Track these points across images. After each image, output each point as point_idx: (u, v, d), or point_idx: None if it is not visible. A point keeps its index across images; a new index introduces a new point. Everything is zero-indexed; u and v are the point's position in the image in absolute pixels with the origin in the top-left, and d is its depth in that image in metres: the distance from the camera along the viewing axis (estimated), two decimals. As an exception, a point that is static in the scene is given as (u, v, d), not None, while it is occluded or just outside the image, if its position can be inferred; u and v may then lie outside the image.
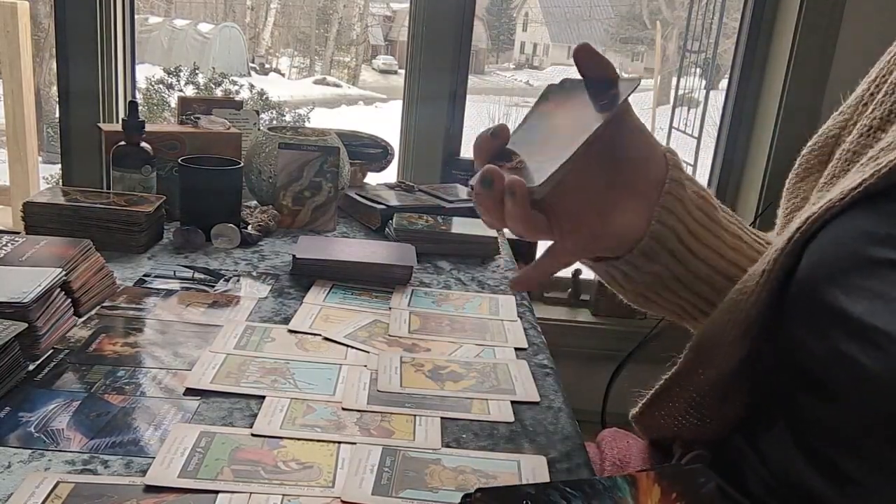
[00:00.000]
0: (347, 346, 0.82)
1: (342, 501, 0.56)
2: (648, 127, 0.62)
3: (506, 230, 0.62)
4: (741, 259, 0.62)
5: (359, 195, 1.34)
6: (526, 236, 0.60)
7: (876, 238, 0.49)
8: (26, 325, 0.70)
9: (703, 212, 0.61)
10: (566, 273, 1.97)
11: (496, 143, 0.59)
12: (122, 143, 1.16)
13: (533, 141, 0.60)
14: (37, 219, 1.05)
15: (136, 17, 1.86)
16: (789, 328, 0.53)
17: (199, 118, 1.33)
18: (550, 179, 0.55)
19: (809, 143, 0.65)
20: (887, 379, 0.44)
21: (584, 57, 0.58)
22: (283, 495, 0.56)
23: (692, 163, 3.12)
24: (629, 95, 0.58)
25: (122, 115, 1.78)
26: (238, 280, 1.00)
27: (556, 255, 0.61)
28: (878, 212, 0.50)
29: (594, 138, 0.56)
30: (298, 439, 0.63)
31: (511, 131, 0.61)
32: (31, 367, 0.71)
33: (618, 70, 0.59)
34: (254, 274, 1.02)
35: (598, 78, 0.59)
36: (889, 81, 0.57)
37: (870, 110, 0.58)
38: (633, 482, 0.48)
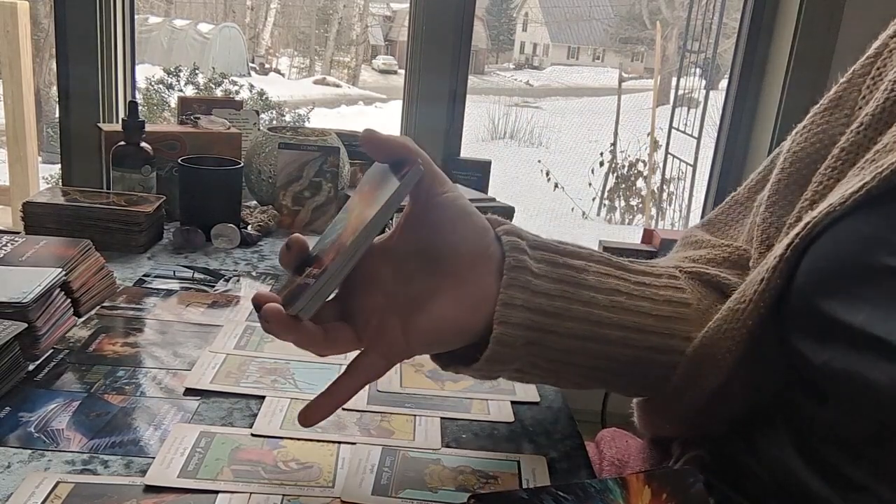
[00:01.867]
0: (347, 346, 0.82)
1: (342, 501, 0.56)
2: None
3: None
4: (618, 316, 0.57)
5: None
6: (327, 353, 0.53)
7: (875, 243, 0.48)
8: (26, 325, 0.70)
9: (561, 282, 0.55)
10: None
11: (292, 255, 0.53)
12: (122, 143, 1.16)
13: (329, 242, 0.53)
14: (36, 219, 1.05)
15: (136, 17, 1.86)
16: (787, 336, 0.53)
17: (199, 118, 1.33)
18: (312, 297, 0.50)
19: (799, 144, 0.62)
20: (889, 390, 0.44)
21: (369, 145, 0.52)
22: (283, 495, 0.56)
23: (692, 163, 3.13)
24: (406, 192, 0.51)
25: (122, 115, 1.78)
26: (238, 280, 1.00)
27: (356, 372, 0.54)
28: (878, 216, 0.49)
29: (363, 242, 0.50)
30: (298, 439, 0.63)
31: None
32: (31, 367, 0.71)
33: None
34: (254, 274, 1.03)
35: (394, 161, 0.53)
36: (888, 78, 0.56)
37: (867, 107, 0.57)
38: (624, 484, 0.48)
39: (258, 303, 0.51)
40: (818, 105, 0.62)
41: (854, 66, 0.61)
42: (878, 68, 0.59)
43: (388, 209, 0.50)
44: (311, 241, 0.55)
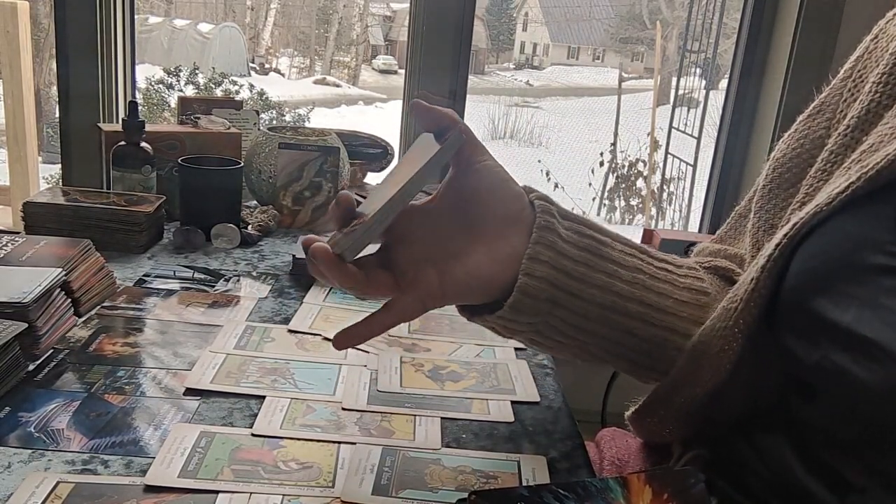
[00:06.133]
0: (347, 346, 0.82)
1: (342, 501, 0.56)
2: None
3: None
4: (639, 292, 0.59)
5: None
6: (366, 296, 0.58)
7: (862, 242, 0.49)
8: (26, 325, 0.70)
9: (586, 251, 0.58)
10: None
11: (341, 211, 0.57)
12: (122, 143, 1.16)
13: (374, 200, 0.58)
14: (37, 219, 1.05)
15: (136, 17, 1.86)
16: (780, 336, 0.53)
17: (199, 118, 1.33)
18: (356, 239, 0.54)
19: (783, 151, 0.63)
20: (879, 389, 0.44)
21: (418, 112, 0.58)
22: (283, 495, 0.56)
23: (692, 163, 3.12)
24: (451, 154, 0.57)
25: (122, 115, 1.78)
26: (238, 280, 1.00)
27: (393, 310, 0.58)
28: (865, 215, 0.50)
29: (407, 194, 0.55)
30: (298, 439, 0.63)
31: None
32: (31, 367, 0.71)
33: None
34: (254, 274, 1.02)
35: (438, 129, 0.58)
36: (871, 80, 0.57)
37: (851, 109, 0.58)
38: (625, 484, 0.48)
39: (306, 245, 0.55)
40: (803, 113, 0.64)
41: (838, 75, 0.62)
42: (858, 71, 0.60)
43: (431, 168, 0.55)
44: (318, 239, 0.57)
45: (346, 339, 0.58)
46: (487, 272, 0.57)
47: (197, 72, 4.09)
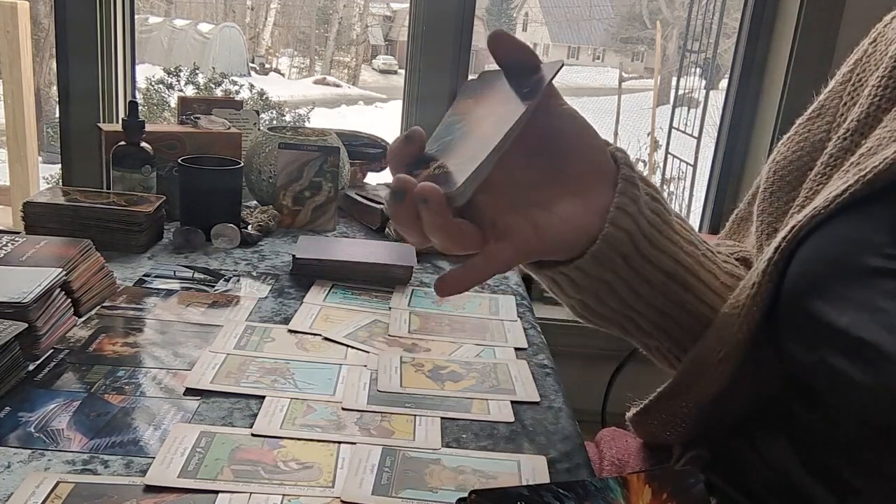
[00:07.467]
0: (347, 346, 0.82)
1: (342, 501, 0.56)
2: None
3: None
4: (696, 267, 0.58)
5: (359, 195, 1.34)
6: (454, 250, 0.52)
7: (859, 245, 0.49)
8: (26, 325, 0.70)
9: (656, 214, 0.56)
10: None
11: (410, 150, 0.51)
12: (122, 143, 1.16)
13: (452, 141, 0.52)
14: (37, 219, 1.05)
15: (136, 17, 1.86)
16: (779, 338, 0.53)
17: (199, 118, 1.33)
18: (470, 180, 0.48)
19: (783, 154, 0.63)
20: (876, 391, 0.44)
21: (499, 43, 0.52)
22: (283, 495, 0.56)
23: (692, 163, 3.12)
24: (553, 77, 0.51)
25: (122, 115, 1.78)
26: (238, 280, 1.00)
27: (490, 259, 0.52)
28: (862, 219, 0.50)
29: (518, 128, 0.49)
30: (298, 439, 0.63)
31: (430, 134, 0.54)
32: (31, 367, 0.71)
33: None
34: (254, 274, 1.03)
35: (517, 65, 0.52)
36: (870, 84, 0.57)
37: (850, 113, 0.58)
38: (625, 483, 0.48)
39: (404, 185, 0.48)
40: (802, 116, 0.64)
41: (836, 77, 0.62)
42: (857, 74, 0.60)
43: (532, 105, 0.49)
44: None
45: (448, 286, 0.52)
46: (581, 222, 0.53)
47: (197, 72, 4.10)
